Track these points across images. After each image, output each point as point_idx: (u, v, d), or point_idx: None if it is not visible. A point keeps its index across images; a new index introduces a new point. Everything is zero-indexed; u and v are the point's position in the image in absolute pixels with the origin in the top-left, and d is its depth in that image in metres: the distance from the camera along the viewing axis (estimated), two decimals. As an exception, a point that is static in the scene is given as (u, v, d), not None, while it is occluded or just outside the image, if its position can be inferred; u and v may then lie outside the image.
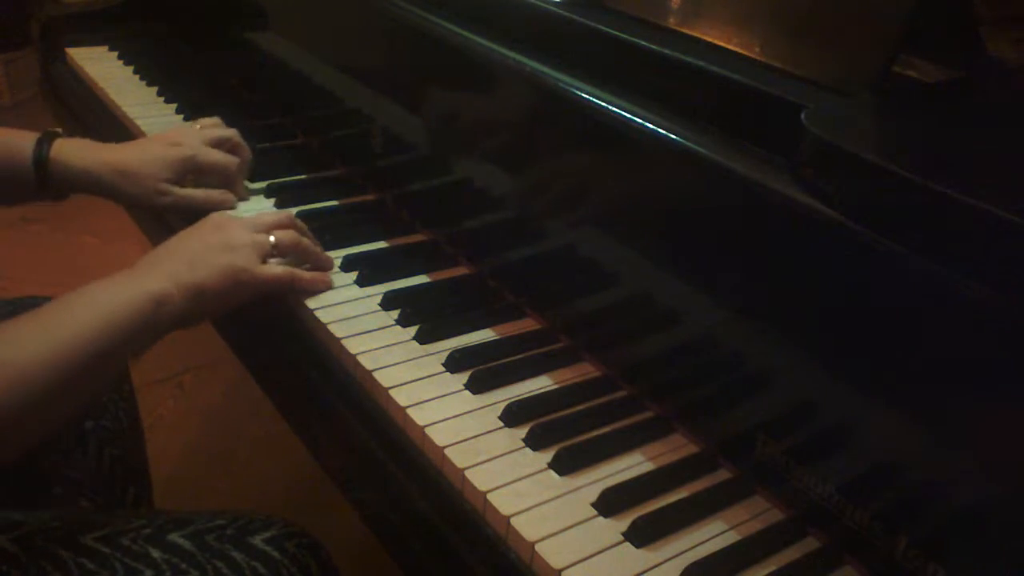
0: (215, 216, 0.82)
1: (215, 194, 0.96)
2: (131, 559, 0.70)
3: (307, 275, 0.82)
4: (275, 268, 0.80)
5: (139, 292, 0.71)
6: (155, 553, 0.71)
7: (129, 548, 0.71)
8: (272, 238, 0.80)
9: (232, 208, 0.97)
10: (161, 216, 1.05)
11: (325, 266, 0.86)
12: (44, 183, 0.93)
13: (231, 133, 1.01)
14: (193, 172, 0.96)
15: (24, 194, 0.94)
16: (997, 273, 0.48)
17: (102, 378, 0.73)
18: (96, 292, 0.71)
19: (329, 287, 0.83)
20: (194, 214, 0.91)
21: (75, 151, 0.94)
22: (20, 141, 0.93)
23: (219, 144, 0.98)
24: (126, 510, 0.88)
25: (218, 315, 0.81)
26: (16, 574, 0.67)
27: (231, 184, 0.98)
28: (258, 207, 0.98)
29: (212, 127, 1.01)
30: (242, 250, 0.78)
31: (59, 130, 0.95)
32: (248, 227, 0.80)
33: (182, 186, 0.95)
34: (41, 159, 0.92)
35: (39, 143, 0.92)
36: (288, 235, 0.82)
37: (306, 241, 0.84)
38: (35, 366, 0.64)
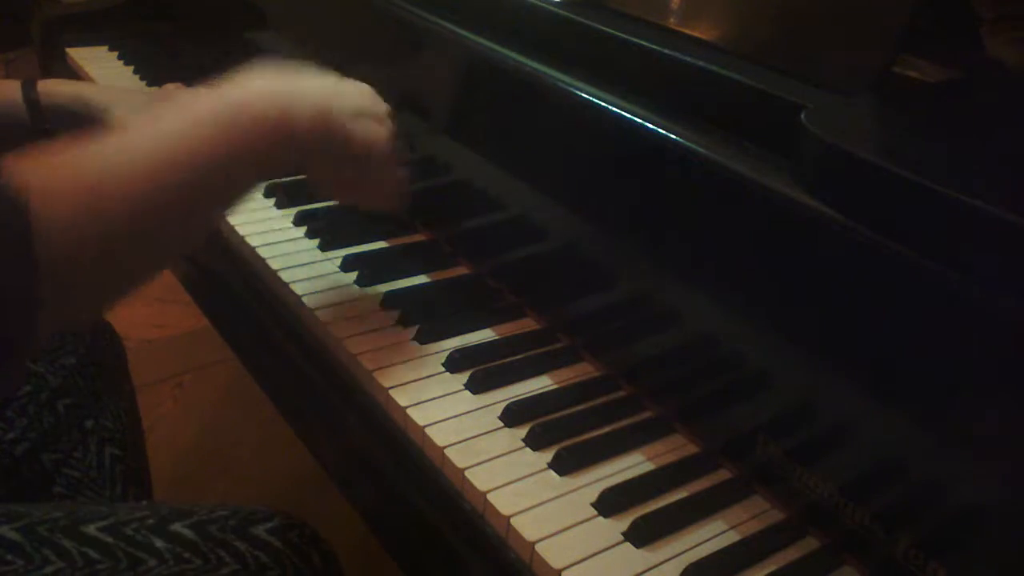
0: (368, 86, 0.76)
1: None
2: (134, 548, 0.70)
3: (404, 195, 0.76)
4: (402, 171, 0.75)
5: (270, 106, 0.62)
6: (158, 543, 0.71)
7: (132, 538, 0.71)
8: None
9: None
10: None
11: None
12: (38, 118, 0.95)
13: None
14: None
15: (19, 135, 0.96)
16: (997, 273, 0.48)
17: (202, 206, 0.61)
18: (219, 94, 0.63)
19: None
20: None
21: (61, 82, 0.97)
22: (4, 87, 0.96)
23: None
24: (129, 504, 0.89)
25: (327, 175, 0.74)
26: (20, 563, 0.67)
27: None
28: (258, 207, 0.97)
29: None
30: (385, 129, 0.73)
31: (33, 77, 0.98)
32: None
33: None
34: (32, 98, 0.95)
35: (25, 86, 0.95)
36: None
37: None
38: (125, 183, 0.54)
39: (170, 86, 1.08)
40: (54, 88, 0.96)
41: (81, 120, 0.97)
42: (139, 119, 0.58)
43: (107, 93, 0.99)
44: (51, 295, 0.50)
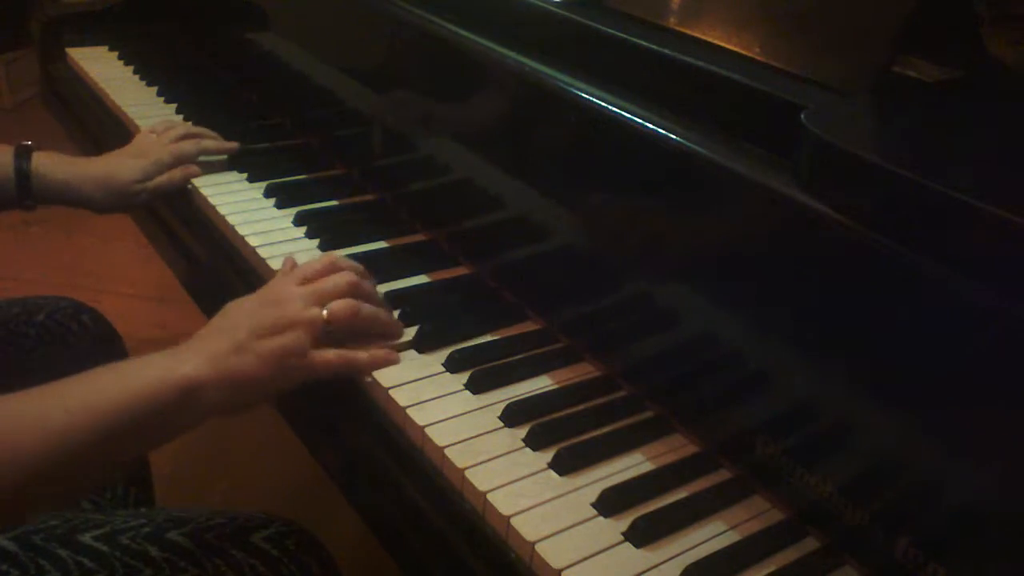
0: (274, 287, 0.74)
1: (176, 172, 1.02)
2: (130, 557, 0.70)
3: (363, 357, 0.72)
4: (327, 354, 0.70)
5: (172, 376, 0.64)
6: (154, 552, 0.71)
7: (128, 547, 0.71)
8: (325, 312, 0.70)
9: (197, 175, 1.02)
10: (158, 215, 1.06)
11: (392, 332, 0.76)
12: (24, 194, 0.95)
13: (184, 127, 1.07)
14: (161, 172, 1.02)
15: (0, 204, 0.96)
16: (997, 273, 0.48)
17: (115, 458, 0.66)
18: (128, 369, 0.66)
19: (393, 363, 0.73)
20: (168, 196, 1.02)
21: (55, 165, 0.97)
22: None
23: (178, 140, 1.04)
24: (126, 510, 0.88)
25: (263, 402, 0.73)
26: (15, 573, 0.67)
27: (206, 152, 1.05)
28: (258, 206, 0.97)
29: (166, 130, 1.06)
30: (295, 331, 0.69)
31: (30, 142, 0.97)
32: (304, 299, 0.71)
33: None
34: (23, 172, 0.94)
35: (18, 156, 0.95)
36: (344, 306, 0.71)
37: (367, 309, 0.73)
38: (35, 447, 0.59)
39: (159, 126, 1.08)
40: (48, 171, 0.95)
41: (65, 202, 0.98)
42: (67, 385, 0.63)
43: (94, 180, 0.98)
44: None
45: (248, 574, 0.72)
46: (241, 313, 0.71)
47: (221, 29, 1.34)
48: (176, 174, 1.01)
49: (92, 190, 0.98)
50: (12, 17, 2.52)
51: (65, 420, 0.60)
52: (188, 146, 1.04)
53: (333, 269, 0.75)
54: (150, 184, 1.00)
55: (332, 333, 0.71)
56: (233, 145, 1.07)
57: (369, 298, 0.75)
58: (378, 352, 0.73)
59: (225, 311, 0.71)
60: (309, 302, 0.71)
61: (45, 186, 0.96)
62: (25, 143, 0.96)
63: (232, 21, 1.28)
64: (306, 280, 0.73)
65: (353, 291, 0.73)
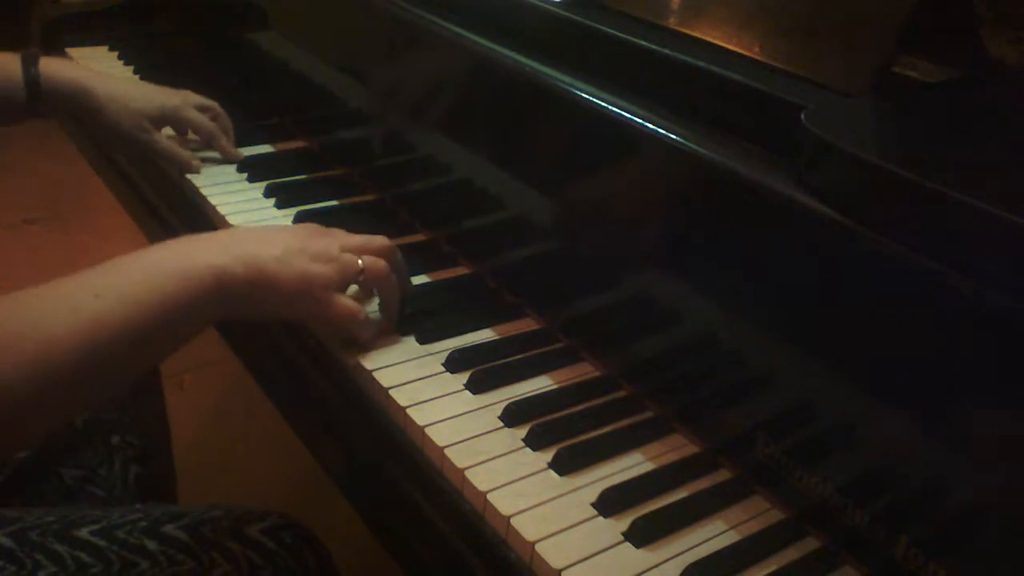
0: (320, 227, 0.76)
1: (186, 153, 1.01)
2: (127, 551, 0.70)
3: (370, 325, 0.74)
4: (346, 302, 0.72)
5: (204, 263, 0.64)
6: (151, 545, 0.71)
7: (125, 541, 0.71)
8: (361, 262, 0.73)
9: (196, 172, 1.01)
10: (158, 214, 1.06)
11: (395, 316, 0.78)
12: (35, 98, 0.94)
13: (213, 103, 1.06)
14: (174, 123, 1.02)
15: (12, 112, 0.95)
16: (997, 273, 0.48)
17: (143, 352, 0.65)
18: (158, 254, 0.64)
19: (372, 344, 0.75)
20: (163, 161, 1.01)
21: (64, 65, 0.96)
22: (4, 61, 0.93)
23: (203, 110, 1.04)
24: (122, 507, 0.89)
25: (274, 318, 0.75)
26: (11, 569, 0.67)
27: (213, 147, 1.04)
28: (258, 206, 0.97)
29: (196, 96, 1.06)
30: (330, 265, 0.71)
31: (38, 50, 0.96)
32: (344, 244, 0.74)
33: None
34: (32, 75, 0.93)
35: (25, 60, 0.93)
36: (379, 265, 0.74)
37: (394, 279, 0.76)
38: (66, 337, 0.57)
39: (181, 93, 1.07)
40: (57, 71, 0.94)
41: (77, 109, 0.97)
42: (92, 274, 0.61)
43: (107, 84, 0.97)
44: None
45: (244, 566, 0.72)
46: (284, 232, 0.73)
47: (221, 29, 1.34)
48: (185, 155, 1.00)
49: (105, 101, 0.95)
50: (12, 17, 2.52)
51: (96, 307, 0.58)
52: (208, 125, 1.03)
53: (373, 239, 0.77)
54: (155, 135, 0.98)
55: (360, 287, 0.74)
56: (239, 155, 1.06)
57: (400, 270, 0.78)
58: (383, 329, 0.75)
59: (263, 227, 0.74)
60: (349, 247, 0.73)
61: (54, 87, 0.94)
62: (33, 49, 0.95)
63: (232, 21, 1.28)
64: (350, 235, 0.76)
65: (391, 255, 0.76)
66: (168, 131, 1.05)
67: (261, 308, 0.70)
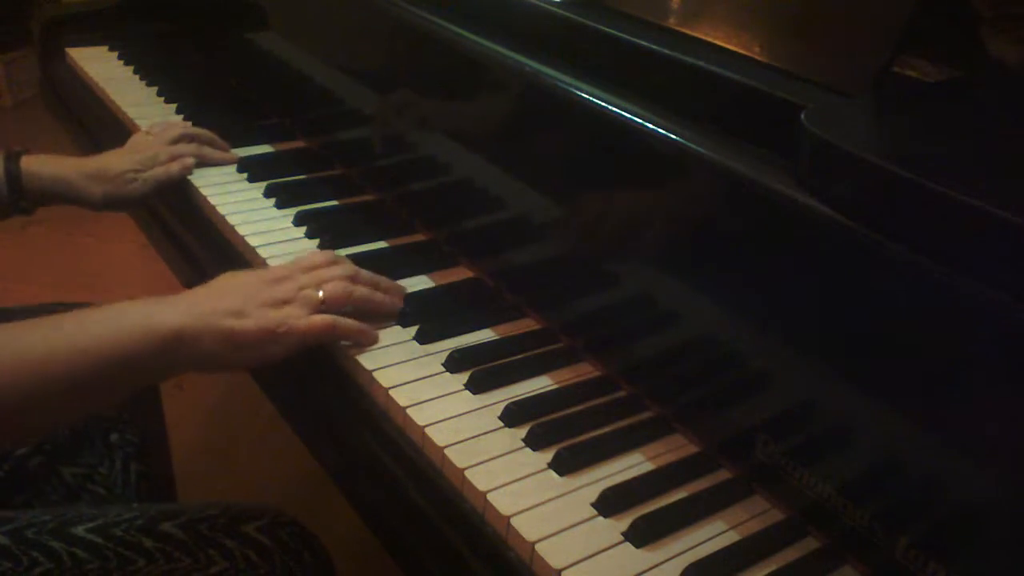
0: (275, 269, 0.77)
1: (173, 166, 1.01)
2: (124, 548, 0.70)
3: (351, 324, 0.75)
4: (312, 318, 0.73)
5: (163, 324, 0.66)
6: (148, 542, 0.71)
7: (122, 538, 0.71)
8: (321, 293, 0.74)
9: (191, 168, 1.02)
10: (158, 215, 1.06)
11: (388, 311, 0.79)
12: (17, 196, 0.95)
13: (183, 126, 1.08)
14: (156, 166, 1.01)
15: None
16: (997, 273, 0.48)
17: (98, 397, 0.69)
18: (121, 311, 0.67)
19: (373, 342, 0.76)
20: (164, 191, 1.01)
21: (44, 162, 0.97)
22: None
23: (175, 141, 1.04)
24: (118, 505, 0.89)
25: (250, 366, 0.76)
26: (8, 566, 0.67)
27: (205, 161, 1.05)
28: (258, 206, 0.97)
29: (164, 131, 1.07)
30: (290, 306, 0.72)
31: (22, 149, 0.98)
32: (301, 283, 0.75)
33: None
34: (13, 173, 0.95)
35: (6, 159, 0.95)
36: (338, 290, 0.75)
37: (360, 291, 0.77)
38: (30, 361, 0.61)
39: (155, 127, 1.08)
40: (37, 169, 0.96)
41: (59, 199, 0.98)
42: (53, 321, 0.65)
43: (84, 171, 0.98)
44: None
45: (241, 563, 0.72)
46: (240, 283, 0.74)
47: (221, 29, 1.34)
48: (173, 167, 1.01)
49: (85, 183, 0.97)
50: (12, 17, 2.52)
51: (45, 353, 0.62)
52: (186, 148, 1.03)
53: (334, 261, 0.79)
54: (145, 175, 0.99)
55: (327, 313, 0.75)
56: (233, 156, 1.06)
57: (368, 281, 0.79)
58: (364, 326, 0.76)
59: (222, 278, 0.75)
60: (308, 284, 0.75)
61: (36, 186, 0.96)
62: (16, 149, 0.97)
63: (232, 21, 1.28)
64: (307, 268, 0.77)
65: (352, 278, 0.77)
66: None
67: (233, 360, 0.71)
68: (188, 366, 0.69)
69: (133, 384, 0.71)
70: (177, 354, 0.67)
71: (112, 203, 1.00)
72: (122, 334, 0.65)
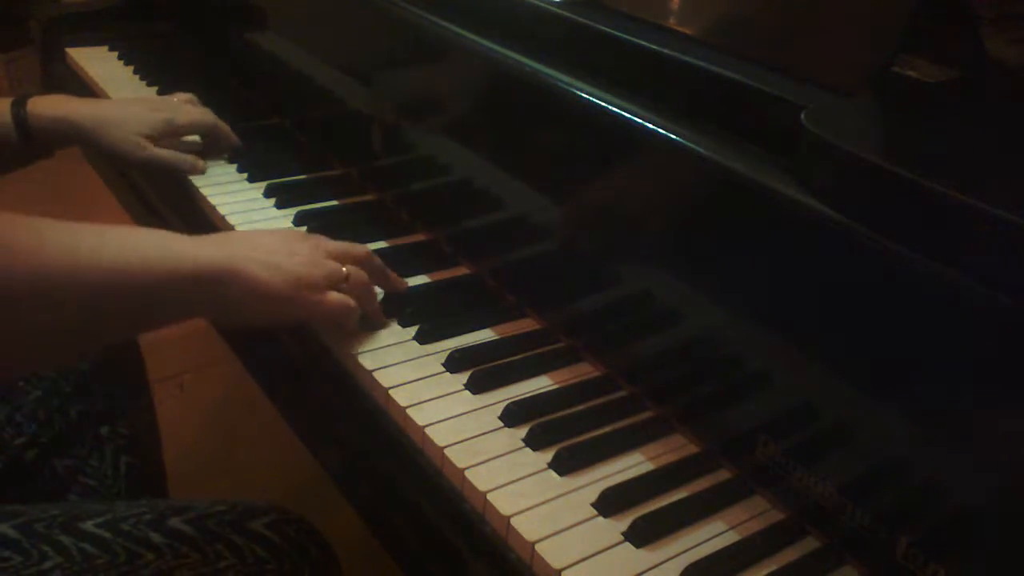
0: (304, 234, 0.78)
1: (187, 157, 1.02)
2: (132, 543, 0.70)
3: (357, 315, 0.75)
4: (337, 296, 0.73)
5: (190, 256, 0.64)
6: (156, 538, 0.71)
7: (130, 533, 0.71)
8: (345, 269, 0.74)
9: (201, 172, 1.02)
10: (158, 215, 1.06)
11: (379, 320, 0.79)
12: (27, 140, 0.96)
13: (191, 96, 1.08)
14: (172, 134, 1.02)
15: (10, 157, 0.97)
16: (997, 273, 0.48)
17: (116, 327, 0.66)
18: (151, 237, 0.65)
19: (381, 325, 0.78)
20: (166, 173, 1.01)
21: (52, 103, 0.97)
22: None
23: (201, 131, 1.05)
24: (127, 501, 0.89)
25: (270, 323, 0.76)
26: (18, 560, 0.67)
27: (213, 143, 1.06)
28: (258, 206, 0.98)
29: (188, 100, 1.08)
30: (317, 268, 0.72)
31: (31, 92, 0.98)
32: (328, 250, 0.75)
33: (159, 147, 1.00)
34: (20, 117, 0.95)
35: (14, 104, 0.95)
36: (362, 275, 0.76)
37: (372, 290, 0.78)
38: (64, 262, 0.58)
39: (174, 97, 1.09)
40: (44, 110, 0.96)
41: (70, 142, 0.99)
42: (98, 232, 0.62)
43: (96, 113, 0.98)
44: None
45: (249, 559, 0.72)
46: (275, 237, 0.73)
47: (221, 29, 1.34)
48: (187, 159, 1.01)
49: (95, 127, 0.97)
50: (12, 17, 2.52)
51: (91, 259, 0.59)
52: (205, 115, 1.04)
53: (353, 247, 0.79)
54: (155, 149, 0.99)
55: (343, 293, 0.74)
56: (237, 141, 1.07)
57: (377, 273, 0.79)
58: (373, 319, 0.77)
59: (256, 231, 0.75)
60: (332, 255, 0.75)
61: (43, 126, 0.96)
62: (24, 93, 0.97)
63: (232, 21, 1.28)
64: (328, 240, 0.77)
65: (372, 261, 0.78)
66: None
67: (251, 314, 0.70)
68: (207, 310, 0.68)
69: (148, 319, 0.67)
70: (200, 292, 0.65)
71: (115, 155, 1.00)
72: (151, 259, 0.62)
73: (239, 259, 0.67)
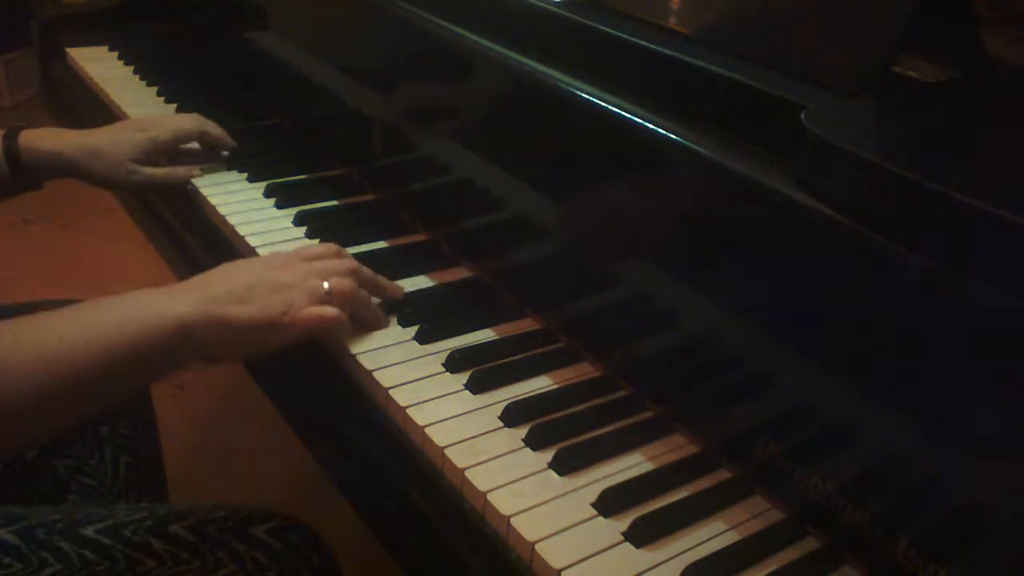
0: (280, 255, 0.77)
1: (180, 170, 1.02)
2: (132, 549, 0.70)
3: (345, 319, 0.74)
4: (323, 308, 0.72)
5: (168, 314, 0.66)
6: (156, 544, 0.71)
7: (130, 539, 0.71)
8: (327, 284, 0.74)
9: (198, 176, 1.02)
10: (157, 214, 1.06)
11: (379, 323, 0.79)
12: (18, 173, 0.95)
13: (190, 117, 1.08)
14: (159, 150, 1.01)
15: (2, 188, 0.96)
16: (997, 273, 0.48)
17: (106, 393, 0.67)
18: (124, 303, 0.67)
19: (382, 324, 0.78)
20: (165, 190, 1.02)
21: (44, 137, 0.97)
22: None
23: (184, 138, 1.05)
24: (128, 505, 0.89)
25: (251, 357, 0.76)
26: (18, 566, 0.67)
27: (208, 147, 1.05)
28: (258, 206, 0.98)
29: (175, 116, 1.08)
30: (293, 291, 0.72)
31: (23, 124, 0.98)
32: (309, 270, 0.75)
33: (153, 167, 1.01)
34: (12, 150, 0.95)
35: (6, 137, 0.95)
36: (345, 284, 0.75)
37: (363, 294, 0.77)
38: (31, 363, 0.60)
39: (155, 122, 1.07)
40: (34, 143, 0.96)
41: (59, 173, 0.99)
42: (65, 314, 0.65)
43: (83, 144, 0.98)
44: None
45: (250, 565, 0.72)
46: (244, 270, 0.74)
47: (221, 29, 1.34)
48: (179, 171, 1.01)
49: (84, 159, 0.97)
50: (12, 17, 2.52)
51: (58, 347, 0.61)
52: (188, 123, 1.04)
53: (337, 253, 0.79)
54: (146, 170, 0.99)
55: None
56: (231, 142, 1.07)
57: (367, 283, 0.79)
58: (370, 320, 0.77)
59: (225, 266, 0.74)
60: (312, 273, 0.74)
61: (35, 160, 0.96)
62: (17, 124, 0.97)
63: (232, 21, 1.28)
64: (311, 257, 0.77)
65: (355, 274, 0.77)
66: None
67: (234, 350, 0.71)
68: (192, 357, 0.69)
69: (138, 380, 0.70)
70: (181, 346, 0.66)
71: (109, 184, 1.01)
72: (127, 326, 0.64)
73: (206, 302, 0.68)
